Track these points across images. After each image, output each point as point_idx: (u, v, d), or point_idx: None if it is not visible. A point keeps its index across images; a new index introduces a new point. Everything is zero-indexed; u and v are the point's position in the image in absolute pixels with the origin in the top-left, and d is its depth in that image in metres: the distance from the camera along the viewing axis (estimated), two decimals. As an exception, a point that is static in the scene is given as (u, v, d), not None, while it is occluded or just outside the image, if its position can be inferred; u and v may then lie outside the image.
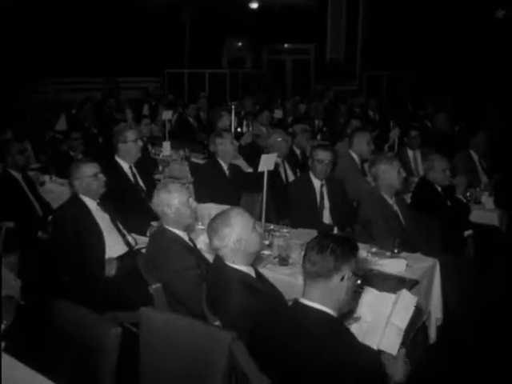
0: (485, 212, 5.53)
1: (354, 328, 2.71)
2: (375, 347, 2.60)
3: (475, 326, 4.33)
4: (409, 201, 5.28)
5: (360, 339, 2.58)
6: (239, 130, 7.36)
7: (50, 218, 5.10)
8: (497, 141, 7.44)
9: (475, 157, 6.65)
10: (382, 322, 2.67)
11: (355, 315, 2.77)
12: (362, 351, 2.28)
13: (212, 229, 3.00)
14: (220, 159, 5.49)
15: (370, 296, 2.80)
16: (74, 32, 12.90)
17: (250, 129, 7.55)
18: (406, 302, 2.70)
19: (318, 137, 9.57)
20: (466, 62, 15.12)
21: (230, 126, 7.26)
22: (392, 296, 2.75)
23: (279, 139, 6.02)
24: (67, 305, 2.88)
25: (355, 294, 2.57)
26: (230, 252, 2.97)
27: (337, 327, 2.34)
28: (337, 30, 17.76)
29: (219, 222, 3.00)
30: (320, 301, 2.36)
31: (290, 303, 3.14)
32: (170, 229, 3.57)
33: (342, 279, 2.36)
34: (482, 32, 15.04)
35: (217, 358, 2.62)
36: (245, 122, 7.38)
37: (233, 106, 7.34)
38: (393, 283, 3.53)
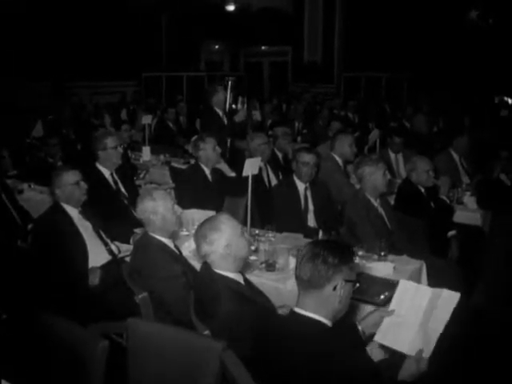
0: (468, 212, 5.56)
1: (387, 321, 2.64)
2: (406, 348, 2.52)
3: (462, 328, 4.32)
4: (392, 202, 5.27)
5: (391, 335, 2.54)
6: (234, 106, 7.23)
7: (29, 226, 5.02)
8: (478, 141, 7.50)
9: (456, 157, 6.69)
10: (417, 317, 2.56)
11: (389, 308, 2.69)
12: (357, 360, 2.25)
13: (200, 234, 2.96)
14: (202, 164, 5.43)
15: (406, 288, 2.70)
16: (49, 36, 12.71)
17: (245, 106, 7.42)
18: (447, 301, 2.58)
19: (299, 139, 9.57)
20: (441, 62, 15.26)
21: (225, 102, 7.15)
22: (429, 290, 2.62)
23: (262, 143, 5.97)
24: (51, 317, 2.80)
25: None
26: (219, 258, 2.93)
27: (332, 336, 2.30)
28: (314, 32, 17.80)
29: (208, 228, 2.95)
30: (314, 310, 2.32)
31: (278, 309, 3.12)
32: (156, 236, 3.52)
33: (335, 289, 2.31)
34: (456, 32, 15.21)
35: (207, 367, 2.58)
36: (240, 99, 7.24)
37: (229, 82, 7.17)
38: (380, 286, 3.51)
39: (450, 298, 2.55)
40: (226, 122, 7.12)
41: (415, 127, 8.55)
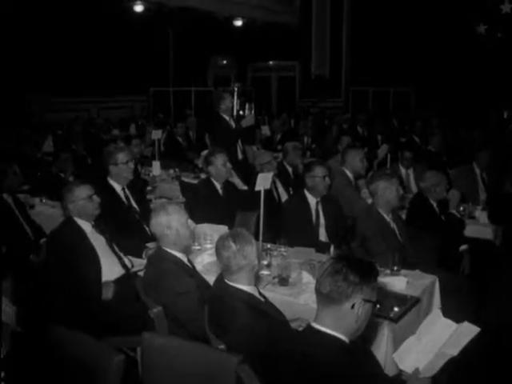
0: (479, 227, 5.55)
1: (407, 344, 2.64)
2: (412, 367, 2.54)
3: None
4: (404, 217, 5.27)
5: (412, 357, 2.54)
6: (241, 112, 7.23)
7: (41, 241, 5.04)
8: (500, 156, 7.49)
9: (478, 171, 6.69)
10: (434, 348, 2.58)
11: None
12: (374, 378, 2.23)
13: (236, 248, 2.97)
14: (213, 179, 5.44)
15: (433, 316, 2.72)
16: (59, 51, 12.83)
17: (252, 112, 7.43)
18: (466, 332, 2.59)
19: (308, 154, 9.59)
20: (449, 76, 15.30)
21: (232, 108, 7.16)
22: (453, 325, 2.65)
23: (266, 162, 6.00)
24: (66, 331, 2.81)
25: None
26: (249, 271, 3.00)
27: (348, 353, 2.27)
28: (321, 47, 17.92)
29: (243, 241, 2.99)
30: (331, 326, 2.29)
31: (292, 323, 3.12)
32: (169, 251, 3.53)
33: (353, 307, 2.26)
34: (464, 47, 15.26)
35: (223, 382, 2.58)
36: (247, 105, 7.25)
37: (235, 88, 7.19)
38: (394, 301, 3.51)
39: (468, 330, 2.59)
40: (233, 126, 7.14)
41: (432, 144, 8.47)
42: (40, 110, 12.91)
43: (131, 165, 5.20)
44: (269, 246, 4.45)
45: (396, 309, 3.38)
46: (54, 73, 12.76)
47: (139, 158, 8.21)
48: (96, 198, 4.20)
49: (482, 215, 5.66)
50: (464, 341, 2.54)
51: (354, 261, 2.37)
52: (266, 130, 11.63)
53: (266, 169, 5.77)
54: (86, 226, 4.16)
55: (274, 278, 3.89)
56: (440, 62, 15.36)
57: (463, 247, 5.06)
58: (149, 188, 7.02)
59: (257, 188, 4.48)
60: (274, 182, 6.15)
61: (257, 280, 3.34)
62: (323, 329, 2.31)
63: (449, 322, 2.72)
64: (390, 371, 3.00)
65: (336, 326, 2.30)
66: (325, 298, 2.29)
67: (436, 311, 2.79)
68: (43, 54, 12.50)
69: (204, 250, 4.41)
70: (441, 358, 2.54)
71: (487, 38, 15.77)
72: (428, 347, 2.59)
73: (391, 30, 15.68)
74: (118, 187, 5.09)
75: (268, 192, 5.45)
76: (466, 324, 2.61)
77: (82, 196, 4.14)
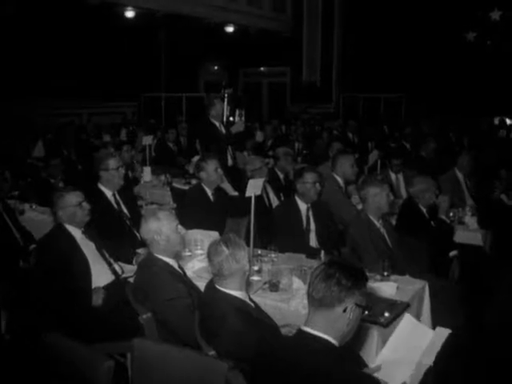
0: (468, 232, 5.58)
1: (385, 354, 2.64)
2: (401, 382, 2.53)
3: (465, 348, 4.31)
4: (394, 222, 5.29)
5: (386, 369, 2.54)
6: (231, 119, 7.21)
7: (31, 247, 5.02)
8: (478, 161, 7.53)
9: (460, 176, 6.72)
10: (415, 357, 2.58)
11: (389, 342, 2.70)
12: (364, 381, 2.24)
13: (229, 253, 2.98)
14: (204, 185, 5.45)
15: (409, 326, 2.71)
16: (50, 57, 12.78)
17: (243, 118, 7.41)
18: (438, 337, 2.61)
19: (299, 160, 9.61)
20: (439, 83, 15.39)
21: (223, 114, 7.14)
22: (430, 332, 2.65)
23: (260, 165, 6.01)
24: (56, 337, 2.80)
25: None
26: (241, 276, 3.01)
27: (339, 356, 2.29)
28: (312, 53, 17.98)
29: (236, 246, 3.00)
30: (323, 330, 2.31)
31: (282, 329, 3.13)
32: (160, 257, 3.52)
33: (345, 311, 2.30)
34: (454, 54, 15.36)
35: (213, 388, 2.58)
36: (237, 112, 7.23)
37: (225, 95, 7.18)
38: (384, 306, 3.52)
39: (440, 334, 2.61)
40: (224, 132, 7.14)
41: (422, 149, 8.51)
42: (29, 115, 12.82)
43: (122, 171, 5.20)
44: (259, 251, 4.45)
45: (386, 314, 3.39)
46: (44, 78, 12.68)
47: (129, 164, 8.19)
48: (86, 205, 4.19)
49: (471, 221, 5.69)
50: (437, 347, 2.56)
51: (346, 266, 2.40)
52: (259, 137, 11.66)
53: (257, 175, 5.78)
54: (76, 233, 4.14)
55: (264, 283, 3.89)
56: (430, 68, 15.45)
57: (453, 253, 5.08)
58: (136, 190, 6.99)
59: (247, 194, 4.48)
60: (265, 188, 6.17)
61: (247, 286, 3.34)
62: (314, 332, 2.33)
63: (422, 326, 2.73)
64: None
65: (327, 329, 2.32)
66: (317, 302, 2.32)
67: (406, 316, 2.77)
68: (33, 58, 12.44)
69: (195, 255, 4.42)
70: (420, 369, 2.55)
71: (477, 46, 15.88)
72: (409, 359, 2.58)
73: (382, 37, 15.78)
74: (108, 193, 5.09)
75: (259, 198, 5.46)
76: (437, 329, 2.62)
77: (73, 202, 4.13)
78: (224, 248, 2.99)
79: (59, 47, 12.90)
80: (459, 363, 4.06)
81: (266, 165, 6.42)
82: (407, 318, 2.72)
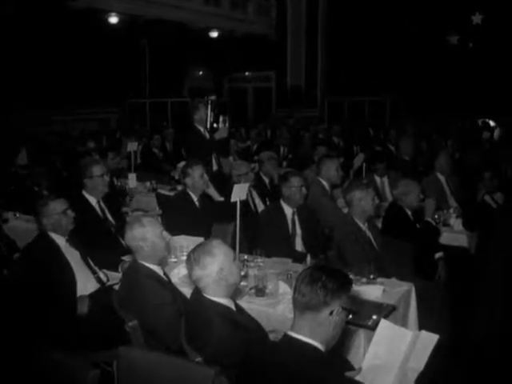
0: (454, 234, 5.60)
1: (367, 362, 2.63)
2: None
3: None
4: (380, 226, 5.30)
5: (371, 376, 2.53)
6: (215, 125, 7.18)
7: (15, 256, 4.97)
8: (461, 163, 7.59)
9: (442, 178, 6.75)
10: (396, 360, 2.57)
11: (369, 348, 2.68)
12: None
13: (193, 258, 2.95)
14: (190, 191, 5.43)
15: (386, 330, 2.71)
16: (33, 63, 12.67)
17: (227, 124, 7.38)
18: (426, 342, 2.60)
19: (284, 164, 9.62)
20: (423, 85, 15.50)
21: (206, 120, 7.12)
22: (409, 333, 2.65)
23: (246, 170, 6.01)
24: (41, 347, 2.77)
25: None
26: (212, 282, 2.92)
27: (324, 361, 2.30)
28: (297, 58, 18.05)
29: (201, 252, 2.95)
30: (308, 334, 2.32)
31: (270, 334, 3.12)
32: (145, 264, 3.50)
33: (331, 314, 2.31)
34: (437, 56, 15.49)
35: (200, 395, 2.56)
36: (221, 118, 7.20)
37: (209, 101, 7.14)
38: (370, 309, 3.52)
39: (428, 340, 2.58)
40: (208, 137, 7.12)
41: (401, 150, 8.60)
42: (12, 123, 12.70)
43: (106, 178, 5.18)
44: (246, 256, 4.44)
45: (374, 317, 3.39)
46: (26, 85, 12.58)
47: (114, 171, 8.13)
48: (70, 213, 4.17)
49: (456, 222, 5.72)
50: (427, 352, 2.55)
51: (331, 270, 2.41)
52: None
53: (243, 180, 5.77)
54: (60, 241, 4.12)
55: (250, 289, 3.88)
56: (414, 71, 15.57)
57: (439, 255, 5.10)
58: (127, 199, 6.96)
59: (233, 199, 4.48)
60: (250, 193, 6.16)
61: (234, 291, 3.33)
62: (299, 337, 2.33)
63: (401, 329, 2.73)
64: None
65: (313, 333, 2.32)
66: (303, 306, 2.32)
67: (383, 322, 2.77)
68: (14, 65, 12.34)
69: (180, 262, 4.38)
70: (410, 375, 2.54)
71: (459, 48, 16.03)
72: (390, 362, 2.57)
73: (366, 41, 15.87)
74: (93, 200, 5.07)
75: (245, 203, 5.46)
76: (424, 334, 2.61)
77: (57, 210, 4.10)
78: (190, 254, 2.99)
79: (42, 54, 12.81)
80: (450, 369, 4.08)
81: (251, 170, 6.42)
82: (383, 323, 2.72)
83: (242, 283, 3.94)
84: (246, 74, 19.63)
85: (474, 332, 4.64)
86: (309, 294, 2.30)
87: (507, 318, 4.57)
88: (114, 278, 4.18)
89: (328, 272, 2.36)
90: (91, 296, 3.96)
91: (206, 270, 2.91)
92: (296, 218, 5.08)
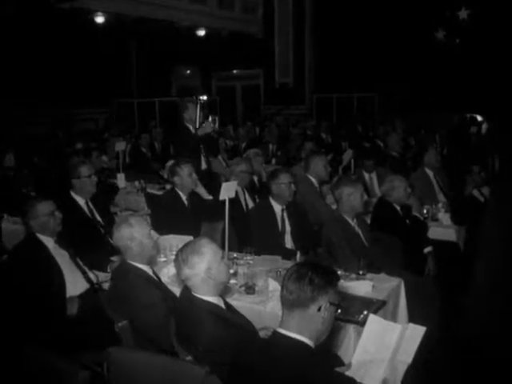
0: (442, 228, 5.63)
1: (357, 358, 2.64)
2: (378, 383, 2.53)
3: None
4: (369, 221, 5.32)
5: (362, 371, 2.53)
6: (204, 125, 7.16)
7: (3, 257, 4.94)
8: (449, 158, 7.62)
9: (430, 174, 6.78)
10: (386, 354, 2.58)
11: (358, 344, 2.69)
12: (340, 381, 2.25)
13: (181, 258, 2.95)
14: (179, 190, 5.41)
15: (375, 325, 2.71)
16: (19, 63, 12.58)
17: (217, 125, 7.31)
18: (414, 334, 2.62)
19: (273, 161, 9.62)
20: (410, 81, 15.53)
21: (196, 119, 7.10)
22: (398, 327, 2.66)
23: (243, 171, 5.98)
24: (29, 348, 2.76)
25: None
26: (200, 281, 2.92)
27: (314, 357, 2.30)
28: (284, 55, 18.04)
29: (189, 251, 2.95)
30: (297, 331, 2.32)
31: (260, 331, 3.12)
32: (134, 263, 3.50)
33: (319, 309, 2.32)
34: (425, 52, 15.53)
35: (190, 394, 2.56)
36: (210, 118, 7.17)
37: (199, 101, 7.11)
38: (360, 305, 3.53)
39: (416, 332, 2.62)
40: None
41: (389, 146, 8.64)
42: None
43: (94, 178, 5.16)
44: (235, 254, 4.45)
45: (365, 312, 3.39)
46: (13, 85, 12.50)
47: (101, 170, 8.08)
48: (58, 214, 4.16)
49: (444, 217, 5.74)
50: (415, 345, 2.57)
51: (317, 265, 2.42)
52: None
53: (240, 177, 5.77)
54: (49, 242, 4.11)
55: (240, 286, 3.88)
56: (402, 67, 15.58)
57: (427, 249, 5.12)
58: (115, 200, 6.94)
59: (221, 197, 4.48)
60: (242, 191, 6.14)
61: (224, 289, 3.33)
62: (288, 333, 2.33)
63: (390, 323, 2.74)
64: None
65: (302, 330, 2.33)
66: (291, 302, 2.33)
67: (372, 317, 2.78)
68: (8, 65, 12.27)
69: (170, 261, 4.37)
70: (399, 368, 2.56)
71: (446, 44, 16.08)
72: (380, 356, 2.59)
73: (353, 37, 15.87)
74: (81, 200, 5.05)
75: (236, 201, 5.45)
76: (411, 326, 2.63)
77: (45, 212, 4.10)
78: (178, 253, 2.99)
79: (29, 54, 12.73)
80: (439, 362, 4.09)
81: (248, 173, 6.37)
82: (372, 318, 2.74)
83: (232, 281, 3.94)
84: (234, 72, 19.60)
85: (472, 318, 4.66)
86: (296, 290, 2.31)
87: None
88: (104, 278, 4.17)
89: (314, 268, 2.37)
90: (81, 297, 3.96)
91: (194, 269, 2.91)
92: (285, 215, 5.07)
